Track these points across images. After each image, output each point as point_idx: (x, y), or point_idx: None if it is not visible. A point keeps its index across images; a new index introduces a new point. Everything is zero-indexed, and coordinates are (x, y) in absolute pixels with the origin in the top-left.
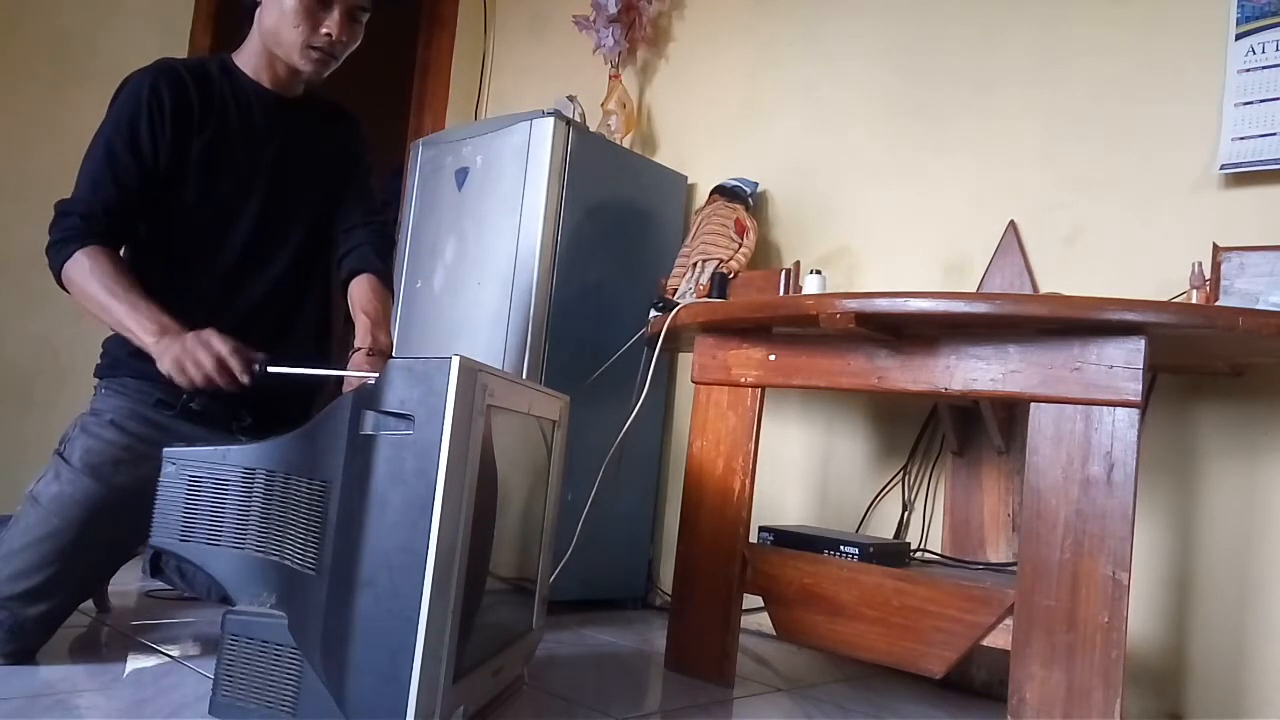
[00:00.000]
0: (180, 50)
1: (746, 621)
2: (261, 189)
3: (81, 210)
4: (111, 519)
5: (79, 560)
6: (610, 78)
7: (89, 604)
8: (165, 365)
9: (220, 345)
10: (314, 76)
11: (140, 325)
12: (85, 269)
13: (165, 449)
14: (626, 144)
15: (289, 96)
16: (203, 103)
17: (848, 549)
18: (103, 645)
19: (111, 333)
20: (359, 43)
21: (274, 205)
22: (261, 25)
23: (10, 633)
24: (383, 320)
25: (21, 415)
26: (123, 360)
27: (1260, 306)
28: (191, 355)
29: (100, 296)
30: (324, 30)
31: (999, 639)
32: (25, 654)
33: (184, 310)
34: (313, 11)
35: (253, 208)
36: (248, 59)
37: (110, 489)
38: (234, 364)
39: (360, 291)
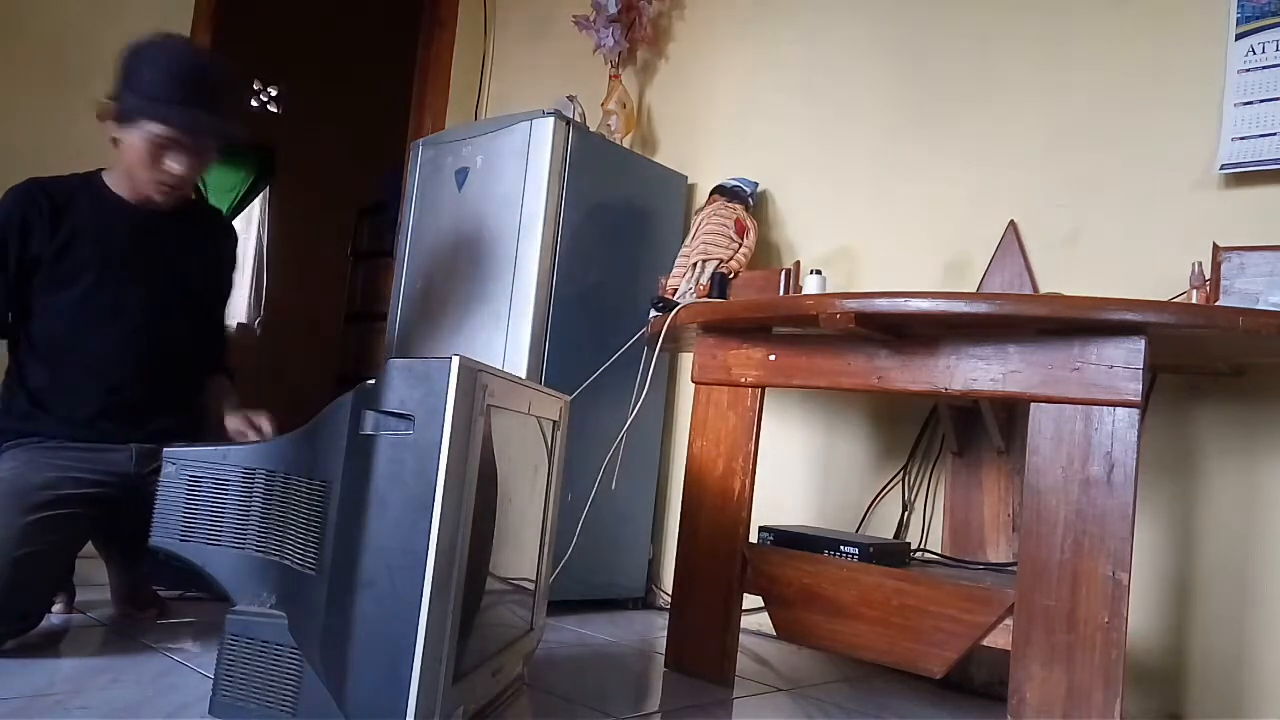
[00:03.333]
0: None
1: (746, 621)
2: (118, 291)
3: None
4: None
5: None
6: (610, 78)
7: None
8: None
9: None
10: (167, 206)
11: None
12: None
13: (165, 449)
14: (626, 144)
15: (150, 209)
16: (56, 218)
17: (848, 549)
18: (103, 645)
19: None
20: (216, 157)
21: (137, 302)
22: (121, 158)
23: None
24: (235, 405)
25: None
26: (9, 428)
27: (1260, 306)
28: None
29: None
30: (170, 169)
31: (999, 639)
32: None
33: (56, 392)
34: (157, 156)
35: (108, 302)
36: (115, 179)
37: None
38: None
39: (217, 387)
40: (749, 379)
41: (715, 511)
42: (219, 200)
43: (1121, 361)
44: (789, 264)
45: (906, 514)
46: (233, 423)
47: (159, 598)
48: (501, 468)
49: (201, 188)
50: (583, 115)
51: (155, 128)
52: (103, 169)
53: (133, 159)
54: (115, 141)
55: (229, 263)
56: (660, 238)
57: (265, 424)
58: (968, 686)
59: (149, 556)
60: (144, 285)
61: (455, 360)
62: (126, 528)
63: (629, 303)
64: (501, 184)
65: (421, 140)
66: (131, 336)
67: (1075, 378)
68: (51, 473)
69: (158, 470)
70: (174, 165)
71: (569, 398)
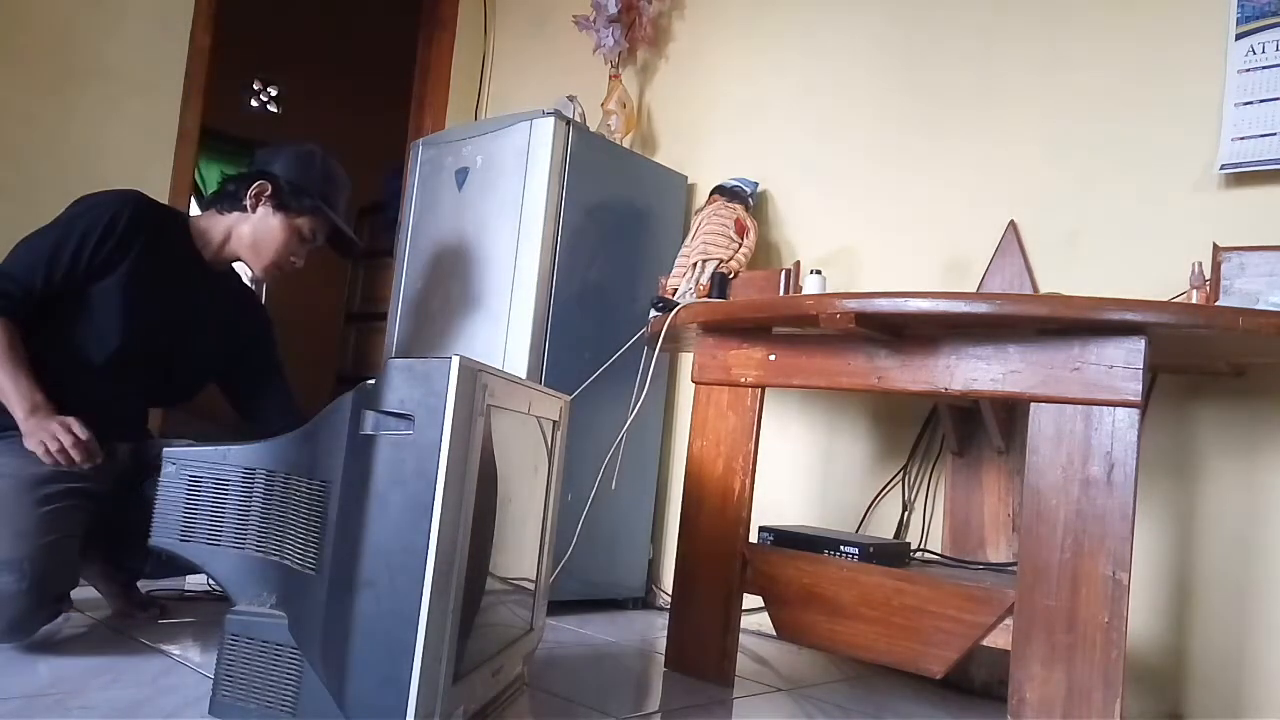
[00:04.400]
0: (180, 49)
1: (746, 621)
2: (161, 330)
3: (12, 288)
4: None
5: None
6: (610, 78)
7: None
8: (30, 441)
9: (80, 432)
10: (259, 282)
11: (18, 396)
12: None
13: (165, 449)
14: (626, 144)
15: (216, 270)
16: (148, 245)
17: (848, 549)
18: (103, 645)
19: None
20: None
21: (170, 348)
22: (238, 228)
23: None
24: None
25: None
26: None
27: (1260, 306)
28: (53, 435)
29: None
30: (293, 259)
31: (999, 639)
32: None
33: (60, 395)
34: (294, 247)
35: (142, 335)
36: (204, 233)
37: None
38: (80, 453)
39: None
40: (749, 379)
41: (715, 511)
42: None
43: (1121, 361)
44: (789, 264)
45: (906, 514)
46: None
47: (157, 598)
48: (501, 468)
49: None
50: (583, 115)
51: (308, 220)
52: (189, 214)
53: (269, 238)
54: (244, 213)
55: (258, 329)
56: (660, 238)
57: None
58: (968, 686)
59: (138, 558)
60: (182, 329)
61: (455, 360)
62: (115, 526)
63: (629, 303)
64: (501, 184)
65: (421, 140)
66: (143, 378)
67: (1075, 378)
68: (51, 467)
69: (147, 469)
70: (299, 259)
71: (569, 398)
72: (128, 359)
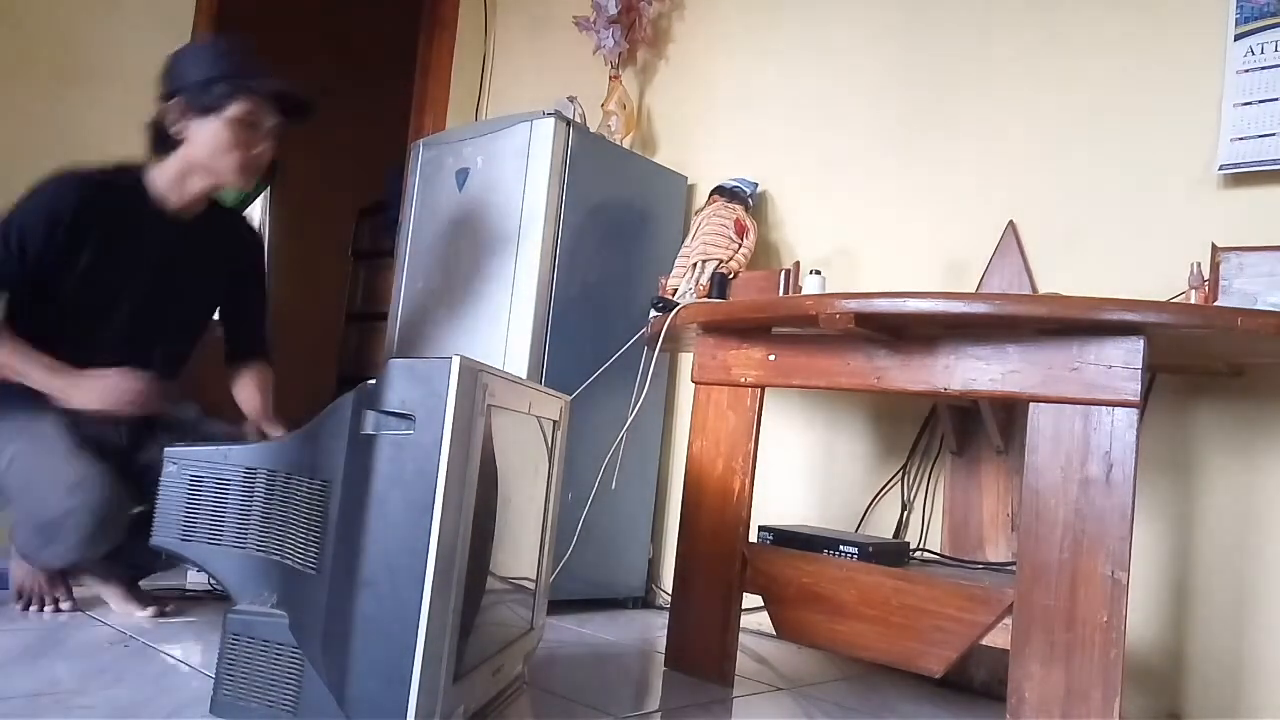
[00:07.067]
0: None
1: (746, 621)
2: (138, 294)
3: None
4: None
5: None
6: (610, 78)
7: (88, 607)
8: (85, 395)
9: (143, 378)
10: (246, 188)
11: (30, 365)
12: None
13: (165, 449)
14: (626, 144)
15: (187, 216)
16: (101, 218)
17: (847, 548)
18: (103, 645)
19: None
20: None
21: (149, 309)
22: (187, 157)
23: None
24: (268, 410)
25: None
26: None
27: (1259, 306)
28: (117, 385)
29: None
30: (256, 152)
31: (998, 638)
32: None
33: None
34: (246, 140)
35: (126, 309)
36: (160, 178)
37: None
38: (147, 400)
39: (251, 378)
40: (749, 379)
41: (715, 511)
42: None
43: (1120, 361)
44: (789, 264)
45: (906, 514)
46: (249, 428)
47: (159, 596)
48: (502, 468)
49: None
50: (583, 116)
51: (238, 106)
52: (142, 165)
53: (215, 146)
54: (176, 142)
55: (252, 268)
56: (660, 238)
57: (275, 435)
58: (967, 686)
59: (145, 554)
60: (162, 295)
61: (456, 360)
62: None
63: (629, 303)
64: (502, 184)
65: (422, 140)
66: (133, 339)
67: (1074, 378)
68: (65, 420)
69: (146, 446)
70: (263, 147)
71: (569, 398)
72: (120, 346)
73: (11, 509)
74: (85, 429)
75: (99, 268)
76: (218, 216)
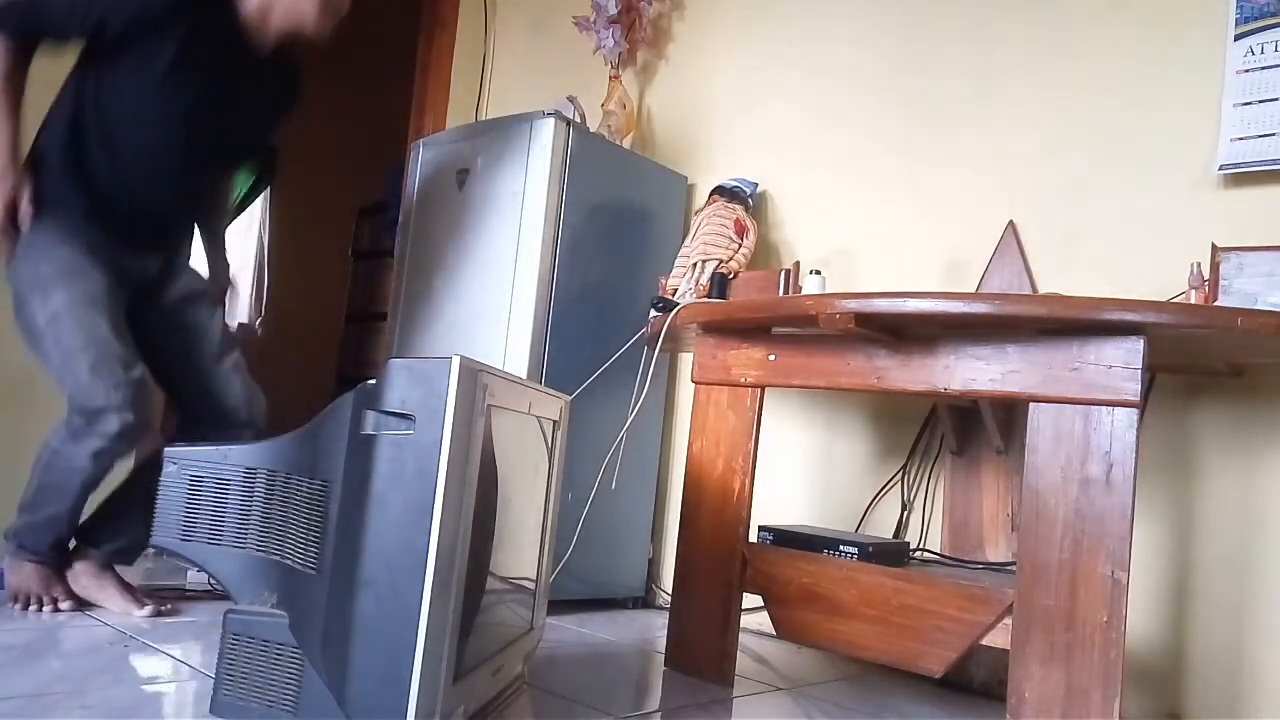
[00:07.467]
0: None
1: (746, 621)
2: (201, 100)
3: (30, 14)
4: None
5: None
6: (610, 78)
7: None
8: None
9: (21, 206)
10: (324, 31)
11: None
12: None
13: (166, 449)
14: (626, 144)
15: (262, 50)
16: (189, 31)
17: (847, 548)
18: (102, 645)
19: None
20: None
21: (207, 116)
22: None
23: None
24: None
25: (22, 416)
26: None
27: (1258, 306)
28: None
29: None
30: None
31: (998, 638)
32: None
33: (101, 191)
34: None
35: (184, 106)
36: (249, 5)
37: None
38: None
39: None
40: (749, 379)
41: (715, 511)
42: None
43: (1120, 361)
44: (788, 264)
45: (905, 513)
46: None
47: (156, 596)
48: (502, 468)
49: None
50: (583, 116)
51: None
52: None
53: None
54: None
55: (289, 106)
56: (660, 238)
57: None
58: (967, 686)
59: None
60: (220, 110)
61: (455, 360)
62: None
63: (629, 303)
64: (502, 184)
65: (421, 140)
66: (188, 144)
67: (1074, 378)
68: (104, 277)
69: (172, 279)
70: None
71: (569, 398)
72: (166, 150)
73: (47, 366)
74: (118, 262)
75: (175, 63)
76: (286, 62)
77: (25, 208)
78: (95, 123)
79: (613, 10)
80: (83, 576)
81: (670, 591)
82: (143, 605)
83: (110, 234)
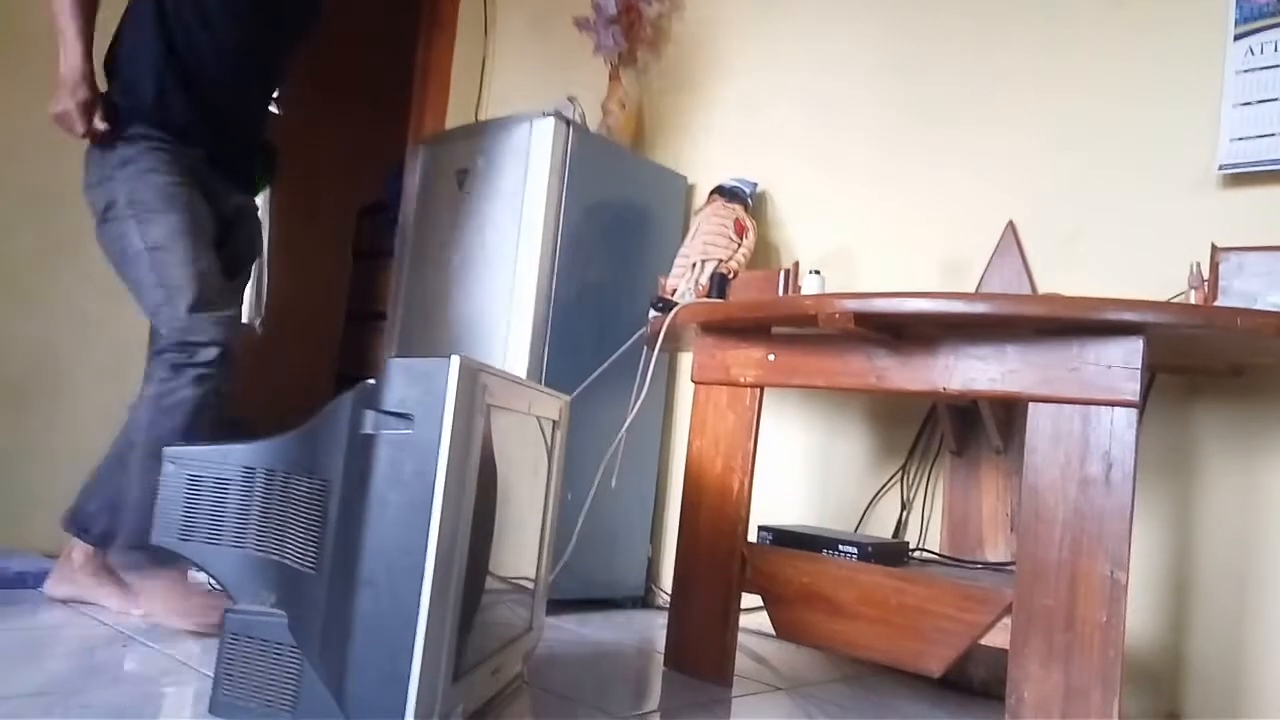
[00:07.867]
0: None
1: (746, 621)
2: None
3: None
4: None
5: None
6: (610, 78)
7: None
8: (59, 104)
9: (97, 123)
10: None
11: (67, 53)
12: None
13: (165, 448)
14: (626, 144)
15: None
16: None
17: (846, 548)
18: (103, 645)
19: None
20: None
21: (276, 25)
22: None
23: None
24: None
25: (19, 417)
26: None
27: (1258, 306)
28: (74, 115)
29: (65, 6)
30: None
31: (997, 638)
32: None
33: (183, 95)
34: None
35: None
36: None
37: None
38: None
39: None
40: (748, 379)
41: (714, 511)
42: None
43: (1120, 361)
44: (788, 264)
45: (905, 513)
46: None
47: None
48: (501, 467)
49: None
50: (583, 116)
51: None
52: None
53: None
54: None
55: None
56: (660, 238)
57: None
58: (966, 686)
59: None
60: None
61: (455, 360)
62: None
63: (629, 303)
64: (501, 184)
65: (422, 141)
66: (264, 36)
67: (1073, 378)
68: (204, 208)
69: (244, 218)
70: None
71: (569, 398)
72: (248, 47)
73: (136, 292)
74: (210, 192)
75: None
76: None
77: (100, 124)
78: (181, 28)
79: (612, 10)
80: (81, 574)
81: (670, 591)
82: (141, 606)
83: (207, 154)
